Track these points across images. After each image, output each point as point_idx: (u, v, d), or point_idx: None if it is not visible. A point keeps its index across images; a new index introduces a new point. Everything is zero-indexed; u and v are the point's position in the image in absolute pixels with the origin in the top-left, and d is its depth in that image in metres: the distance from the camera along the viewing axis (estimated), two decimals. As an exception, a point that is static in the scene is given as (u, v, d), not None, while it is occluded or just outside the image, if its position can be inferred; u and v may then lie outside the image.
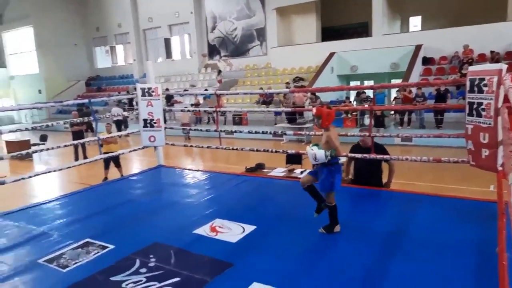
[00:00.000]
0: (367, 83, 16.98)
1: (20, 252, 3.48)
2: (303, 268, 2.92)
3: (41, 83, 23.83)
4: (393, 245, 3.23)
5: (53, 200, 4.96)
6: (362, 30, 18.50)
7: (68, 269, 3.06)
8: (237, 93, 10.48)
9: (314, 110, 3.48)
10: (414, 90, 11.79)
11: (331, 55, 16.22)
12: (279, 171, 6.16)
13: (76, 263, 3.12)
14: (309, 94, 13.31)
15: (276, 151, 6.07)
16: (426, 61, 14.79)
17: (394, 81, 15.70)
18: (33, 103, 20.24)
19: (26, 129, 6.17)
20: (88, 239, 3.56)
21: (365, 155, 4.66)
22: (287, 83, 15.64)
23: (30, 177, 5.58)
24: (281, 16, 18.75)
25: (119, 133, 9.62)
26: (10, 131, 5.49)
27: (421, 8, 17.93)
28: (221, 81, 18.61)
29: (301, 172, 5.97)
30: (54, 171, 6.11)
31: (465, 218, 3.72)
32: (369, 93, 13.32)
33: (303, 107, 12.60)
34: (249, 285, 2.67)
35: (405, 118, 12.20)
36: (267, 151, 6.11)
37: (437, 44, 14.61)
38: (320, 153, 3.30)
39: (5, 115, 23.77)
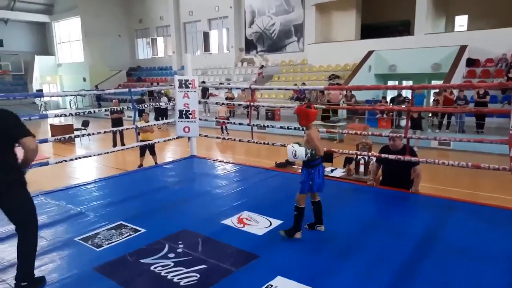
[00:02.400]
0: (405, 83, 16.44)
1: (59, 229, 3.70)
2: (329, 266, 2.91)
3: (86, 71, 24.93)
4: (423, 250, 3.15)
5: (91, 183, 5.22)
6: (404, 28, 17.87)
7: (101, 248, 3.23)
8: (271, 88, 10.49)
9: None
10: (455, 92, 11.29)
11: (370, 53, 15.82)
12: (309, 168, 6.11)
13: (109, 243, 3.28)
14: (344, 92, 13.09)
15: (307, 148, 6.04)
16: (471, 62, 14.08)
17: (435, 83, 15.09)
18: (77, 90, 21.24)
19: (70, 114, 6.51)
20: (121, 222, 3.72)
21: (390, 156, 4.52)
22: (331, 77, 15.35)
23: (72, 159, 5.91)
24: (320, 12, 18.48)
25: (156, 122, 9.92)
26: (56, 116, 5.81)
27: (468, 7, 17.06)
28: (261, 74, 18.73)
29: (332, 171, 5.91)
30: (94, 155, 6.42)
31: (500, 227, 3.56)
32: (407, 93, 12.89)
33: (338, 105, 12.42)
34: (273, 278, 2.70)
35: (444, 121, 11.72)
36: (298, 147, 6.08)
37: (484, 45, 13.86)
38: (300, 151, 3.28)
39: (51, 100, 25.09)
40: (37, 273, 2.82)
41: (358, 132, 6.16)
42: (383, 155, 4.59)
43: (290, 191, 4.91)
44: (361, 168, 5.49)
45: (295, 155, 3.29)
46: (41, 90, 23.61)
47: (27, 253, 2.62)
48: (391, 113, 12.02)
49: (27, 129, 2.61)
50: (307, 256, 3.06)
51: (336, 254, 3.09)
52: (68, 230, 3.65)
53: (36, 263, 3.00)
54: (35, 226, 2.67)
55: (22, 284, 2.59)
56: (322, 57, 17.68)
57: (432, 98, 12.60)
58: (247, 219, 3.83)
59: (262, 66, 19.23)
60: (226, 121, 10.83)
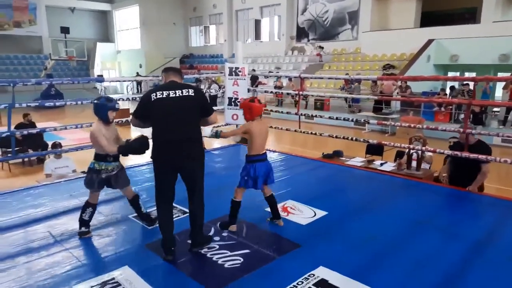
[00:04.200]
0: (467, 75, 15.33)
1: (115, 206, 3.96)
2: (374, 261, 2.85)
3: (142, 58, 26.05)
4: (479, 253, 2.97)
5: (144, 164, 5.51)
6: (470, 16, 16.58)
7: (152, 226, 3.42)
8: (321, 77, 10.25)
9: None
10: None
11: (429, 42, 14.90)
12: (358, 161, 5.97)
13: (159, 222, 3.46)
14: (399, 83, 12.50)
15: (356, 139, 5.89)
16: (545, 53, 12.79)
17: (502, 75, 13.91)
18: (134, 76, 22.29)
19: (127, 99, 6.87)
20: (175, 204, 3.90)
21: (456, 152, 4.27)
22: (385, 67, 14.73)
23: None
24: (377, -1, 17.68)
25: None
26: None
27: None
28: (319, 55, 18.40)
29: (381, 164, 5.72)
30: (148, 138, 6.73)
31: None
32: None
33: (391, 96, 11.91)
34: (315, 268, 2.70)
35: (510, 117, 10.82)
36: (347, 138, 5.96)
37: None
38: (207, 129, 3.30)
39: (111, 85, 26.57)
40: (97, 245, 3.07)
41: (412, 125, 5.89)
42: (455, 152, 4.31)
43: (337, 183, 4.87)
44: (414, 163, 5.26)
45: (204, 131, 3.23)
46: (101, 76, 25.09)
47: (203, 213, 2.97)
48: (450, 106, 11.30)
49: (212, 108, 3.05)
50: (351, 250, 3.01)
51: (381, 250, 3.01)
52: (123, 207, 3.89)
53: (95, 236, 3.26)
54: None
55: (203, 241, 2.99)
56: (377, 45, 16.96)
57: (499, 92, 11.65)
58: (291, 208, 3.84)
59: (320, 47, 18.74)
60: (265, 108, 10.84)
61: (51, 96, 18.06)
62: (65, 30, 21.22)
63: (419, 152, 5.13)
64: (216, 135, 3.34)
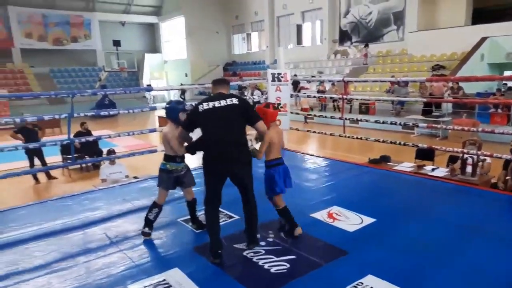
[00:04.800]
0: (528, 73, 14.24)
1: (164, 210, 4.08)
2: (424, 270, 2.73)
3: (187, 67, 26.96)
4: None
5: (192, 170, 5.67)
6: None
7: (200, 230, 3.52)
8: (366, 81, 10.04)
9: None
10: None
11: (483, 40, 14.04)
12: (407, 166, 5.76)
13: (207, 226, 3.55)
14: (450, 84, 11.89)
15: (405, 144, 5.68)
16: None
17: None
18: (180, 84, 23.11)
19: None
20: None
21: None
22: (434, 67, 14.08)
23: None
24: (424, -3, 16.99)
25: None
26: (162, 108, 6.43)
27: None
28: (366, 55, 18.06)
29: (432, 170, 5.47)
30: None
31: None
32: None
33: (442, 98, 11.36)
34: (363, 276, 2.64)
35: None
36: (394, 143, 5.77)
37: None
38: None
39: (159, 94, 27.74)
40: (148, 247, 3.21)
41: (466, 128, 5.58)
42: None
43: (385, 189, 4.72)
44: (468, 168, 4.97)
45: None
46: (150, 85, 26.26)
47: (257, 212, 3.12)
48: (507, 107, 10.55)
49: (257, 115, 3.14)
50: (401, 258, 2.90)
51: (434, 259, 2.87)
52: (172, 211, 4.05)
53: (147, 238, 3.42)
54: None
55: (255, 241, 3.10)
56: (424, 46, 16.26)
57: None
58: (337, 214, 3.78)
59: (366, 45, 18.29)
60: (306, 113, 10.76)
61: (105, 105, 19.20)
62: (116, 43, 22.53)
63: (474, 156, 4.84)
64: (253, 154, 3.22)
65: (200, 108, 2.94)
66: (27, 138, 6.96)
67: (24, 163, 7.28)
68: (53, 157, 7.60)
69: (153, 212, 3.39)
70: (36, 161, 7.30)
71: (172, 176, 3.37)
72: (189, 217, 3.65)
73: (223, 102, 2.92)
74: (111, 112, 6.38)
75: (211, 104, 2.93)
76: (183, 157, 3.45)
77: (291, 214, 3.32)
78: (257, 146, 3.37)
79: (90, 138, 5.89)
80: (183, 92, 23.33)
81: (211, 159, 2.95)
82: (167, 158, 3.39)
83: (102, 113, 5.49)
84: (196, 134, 3.17)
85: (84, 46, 26.86)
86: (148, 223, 3.41)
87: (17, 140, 7.08)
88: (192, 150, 3.33)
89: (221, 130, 2.89)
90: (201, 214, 3.47)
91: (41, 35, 25.02)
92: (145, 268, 2.93)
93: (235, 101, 2.94)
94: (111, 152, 6.69)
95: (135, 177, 5.98)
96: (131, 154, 5.65)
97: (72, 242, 3.40)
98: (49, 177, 7.45)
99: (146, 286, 2.66)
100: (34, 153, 7.12)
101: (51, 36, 25.36)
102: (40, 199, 5.18)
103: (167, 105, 3.43)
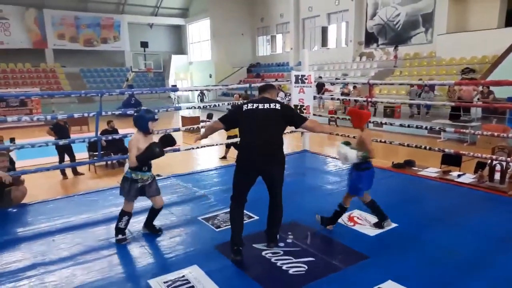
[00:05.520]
0: None
1: (185, 208, 4.19)
2: (449, 280, 2.65)
3: (212, 68, 27.25)
4: None
5: (213, 169, 5.75)
6: None
7: (220, 229, 3.55)
8: (392, 83, 9.84)
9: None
10: None
11: (517, 43, 13.49)
12: (432, 171, 5.59)
13: (226, 225, 3.57)
14: (480, 88, 11.47)
15: (430, 149, 5.54)
16: None
17: None
18: (205, 85, 23.41)
19: (198, 107, 7.24)
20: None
21: None
22: (464, 71, 13.62)
23: (198, 148, 6.57)
24: (454, -1, 16.50)
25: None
26: (187, 108, 6.55)
27: None
28: (396, 57, 17.72)
29: (459, 176, 5.29)
30: (216, 144, 7.01)
31: None
32: None
33: (471, 102, 10.98)
34: (383, 281, 2.59)
35: None
36: (420, 147, 5.64)
37: None
38: (351, 153, 3.14)
39: (183, 94, 28.17)
40: (169, 243, 3.27)
41: (495, 134, 5.38)
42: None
43: (407, 194, 4.61)
44: (497, 175, 4.78)
45: (346, 158, 3.22)
46: (175, 85, 26.70)
47: (281, 213, 3.15)
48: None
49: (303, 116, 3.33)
50: (424, 265, 2.83)
51: (459, 268, 2.79)
52: (193, 209, 4.10)
53: (167, 235, 3.48)
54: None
55: (275, 241, 3.16)
56: (454, 48, 15.77)
57: None
58: (358, 218, 3.73)
59: (396, 47, 17.95)
60: (332, 115, 10.64)
61: (131, 105, 19.61)
62: (144, 45, 22.99)
63: (504, 163, 4.66)
64: (363, 156, 3.21)
65: (245, 107, 3.09)
66: (59, 134, 7.24)
67: (53, 159, 7.55)
68: (80, 154, 7.84)
69: (123, 220, 3.33)
70: (65, 157, 7.56)
71: (136, 185, 3.26)
72: (209, 215, 3.69)
73: (266, 105, 3.06)
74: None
75: (255, 105, 3.08)
76: (150, 166, 3.35)
77: (380, 207, 3.41)
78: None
79: (116, 136, 6.04)
80: (202, 93, 23.52)
81: (245, 156, 3.05)
82: (134, 167, 3.24)
83: (128, 112, 5.63)
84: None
85: (113, 47, 27.61)
86: (120, 231, 3.35)
87: (51, 137, 7.36)
88: (141, 159, 3.19)
89: (259, 130, 3.01)
90: (220, 213, 3.47)
91: (73, 36, 25.90)
92: (165, 264, 2.98)
93: (277, 106, 3.07)
94: (135, 150, 6.83)
95: (158, 175, 6.08)
96: (155, 153, 5.75)
97: (97, 236, 3.50)
98: (76, 173, 7.69)
99: (165, 282, 2.70)
100: (64, 149, 7.38)
101: (82, 37, 26.22)
102: (67, 193, 5.36)
103: (135, 113, 3.32)
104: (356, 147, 3.27)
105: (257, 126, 3.02)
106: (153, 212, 3.53)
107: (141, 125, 3.26)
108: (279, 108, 3.08)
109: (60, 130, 7.40)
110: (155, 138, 3.37)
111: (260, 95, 3.25)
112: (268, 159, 3.01)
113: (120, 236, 3.36)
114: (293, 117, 3.17)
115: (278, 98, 12.88)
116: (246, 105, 3.12)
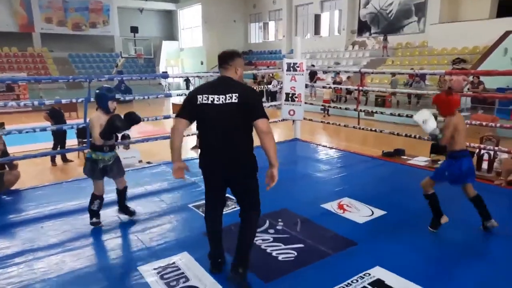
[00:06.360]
0: (554, 69, 13.72)
1: (176, 195, 4.18)
2: (436, 267, 2.71)
3: (203, 55, 26.96)
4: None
5: (203, 157, 5.71)
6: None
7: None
8: (383, 72, 9.86)
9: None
10: None
11: (507, 34, 13.58)
12: (421, 160, 5.67)
13: (217, 212, 3.58)
14: (470, 78, 11.57)
15: (420, 138, 5.59)
16: None
17: None
18: (196, 72, 23.18)
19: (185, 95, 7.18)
20: (228, 195, 4.00)
21: None
22: (455, 61, 13.71)
23: (188, 135, 6.53)
24: (447, -12, 16.48)
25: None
26: (177, 95, 6.49)
27: None
28: (385, 47, 17.76)
29: (447, 165, 5.36)
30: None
31: None
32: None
33: (462, 92, 11.07)
34: (371, 267, 2.63)
35: None
36: (410, 136, 5.68)
37: None
38: (432, 123, 3.04)
39: (174, 81, 27.89)
40: (159, 230, 3.26)
41: (484, 123, 5.44)
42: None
43: (397, 183, 4.67)
44: (484, 165, 4.86)
45: (425, 122, 3.06)
46: (166, 72, 26.40)
47: (253, 235, 2.58)
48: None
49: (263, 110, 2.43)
50: (411, 252, 2.88)
51: (445, 255, 2.85)
52: (183, 197, 4.10)
53: (157, 222, 3.47)
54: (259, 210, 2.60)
55: (244, 271, 2.46)
56: (446, 38, 15.84)
57: None
58: (347, 205, 3.77)
59: (385, 38, 17.93)
60: (327, 104, 10.65)
61: (121, 91, 19.40)
62: (134, 30, 22.64)
63: (491, 152, 4.73)
64: (437, 135, 3.10)
65: (199, 99, 2.39)
66: (55, 120, 7.17)
67: (41, 145, 7.44)
68: (69, 141, 7.74)
69: (95, 203, 3.34)
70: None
71: (97, 166, 3.26)
72: (199, 203, 3.69)
73: (222, 99, 2.34)
74: (127, 98, 6.46)
75: (210, 98, 2.37)
76: (112, 147, 3.33)
77: (439, 203, 3.19)
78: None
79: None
80: (187, 79, 23.24)
81: (206, 162, 2.54)
82: (94, 147, 3.26)
83: (117, 98, 5.55)
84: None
85: (102, 32, 27.06)
86: (93, 214, 3.37)
87: (47, 121, 7.28)
88: (103, 134, 3.15)
89: (217, 131, 2.39)
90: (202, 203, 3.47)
91: (61, 20, 25.30)
92: (155, 250, 2.98)
93: (235, 97, 2.33)
94: (125, 137, 6.77)
95: (148, 162, 6.06)
96: (145, 140, 5.72)
97: (86, 223, 3.48)
98: (65, 160, 7.61)
99: (155, 268, 2.71)
100: (59, 134, 7.30)
101: (71, 21, 25.63)
102: (56, 180, 5.30)
103: (97, 91, 3.30)
104: (443, 126, 3.10)
105: (214, 126, 2.39)
106: (119, 194, 3.53)
107: (102, 103, 3.26)
108: (236, 100, 2.32)
109: (56, 115, 7.32)
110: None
111: (220, 74, 2.52)
112: (232, 166, 2.43)
113: (94, 219, 3.37)
114: (253, 109, 2.36)
115: (270, 86, 12.74)
116: (200, 96, 2.39)
